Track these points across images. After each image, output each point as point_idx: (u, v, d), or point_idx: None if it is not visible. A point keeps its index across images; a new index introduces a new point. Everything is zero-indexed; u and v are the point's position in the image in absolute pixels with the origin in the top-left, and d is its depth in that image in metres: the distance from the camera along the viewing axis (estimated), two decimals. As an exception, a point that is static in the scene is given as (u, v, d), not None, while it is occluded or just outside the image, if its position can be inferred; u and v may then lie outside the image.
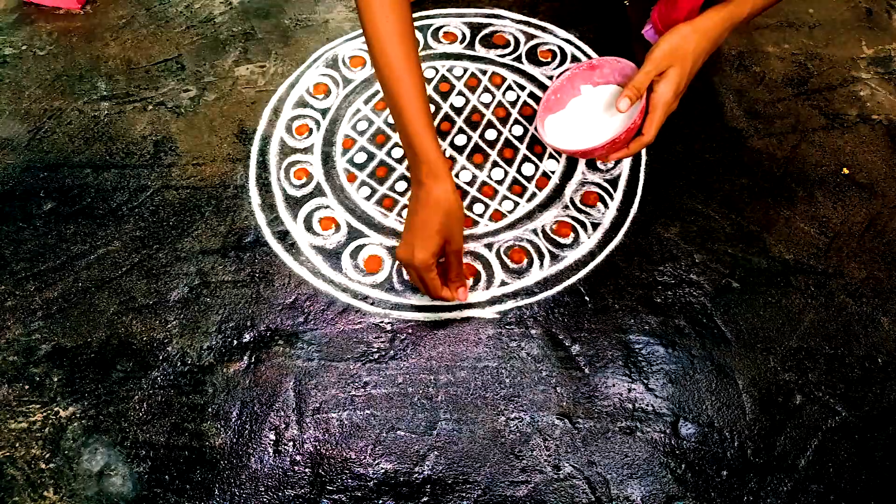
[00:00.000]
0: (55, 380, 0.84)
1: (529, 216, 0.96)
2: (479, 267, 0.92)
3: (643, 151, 1.01)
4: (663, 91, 0.79)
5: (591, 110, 0.91)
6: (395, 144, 1.03)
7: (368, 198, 0.98)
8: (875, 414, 0.81)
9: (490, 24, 1.15)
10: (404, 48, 0.75)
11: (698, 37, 0.79)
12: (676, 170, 0.99)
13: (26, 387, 0.84)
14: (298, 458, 0.79)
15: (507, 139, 1.03)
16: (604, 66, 0.90)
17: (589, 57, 1.11)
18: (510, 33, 1.14)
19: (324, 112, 1.06)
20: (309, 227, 0.95)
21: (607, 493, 0.77)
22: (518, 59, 1.11)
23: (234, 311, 0.89)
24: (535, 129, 0.91)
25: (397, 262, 0.93)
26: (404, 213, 0.96)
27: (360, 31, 1.15)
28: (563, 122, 0.92)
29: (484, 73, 1.09)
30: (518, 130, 1.03)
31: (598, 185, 0.98)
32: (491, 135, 1.03)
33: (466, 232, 0.95)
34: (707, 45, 0.80)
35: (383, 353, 0.86)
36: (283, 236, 0.95)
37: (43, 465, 0.79)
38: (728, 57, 1.11)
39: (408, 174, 0.99)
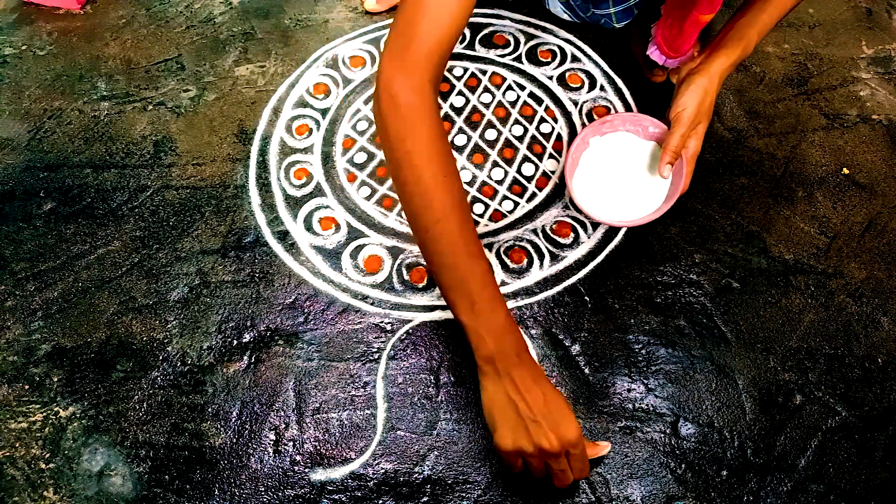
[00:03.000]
0: (55, 380, 0.84)
1: (529, 216, 0.96)
2: (479, 267, 0.92)
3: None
4: (695, 146, 0.84)
5: (605, 162, 0.92)
6: (395, 144, 1.02)
7: (368, 198, 0.98)
8: (875, 414, 0.81)
9: (490, 24, 1.15)
10: (465, 210, 0.64)
11: (715, 85, 0.82)
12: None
13: (26, 387, 0.84)
14: (298, 458, 0.79)
15: (507, 139, 1.03)
16: (614, 119, 0.92)
17: (589, 57, 1.11)
18: (510, 33, 1.14)
19: (324, 112, 1.06)
20: (309, 227, 0.96)
21: (607, 493, 0.77)
22: (518, 59, 1.11)
23: (234, 311, 0.89)
24: (570, 200, 0.92)
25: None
26: (404, 213, 0.96)
27: (360, 31, 1.15)
28: (588, 183, 0.91)
29: (484, 73, 1.09)
30: (518, 130, 1.03)
31: (598, 185, 0.98)
32: (491, 135, 1.03)
33: (466, 232, 0.95)
34: (719, 88, 0.84)
35: (383, 353, 0.86)
36: (283, 236, 0.95)
37: (43, 465, 0.79)
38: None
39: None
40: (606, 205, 0.89)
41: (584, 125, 1.02)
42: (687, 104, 0.82)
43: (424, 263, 0.92)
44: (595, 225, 0.95)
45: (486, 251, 0.92)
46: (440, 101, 1.06)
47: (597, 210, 0.88)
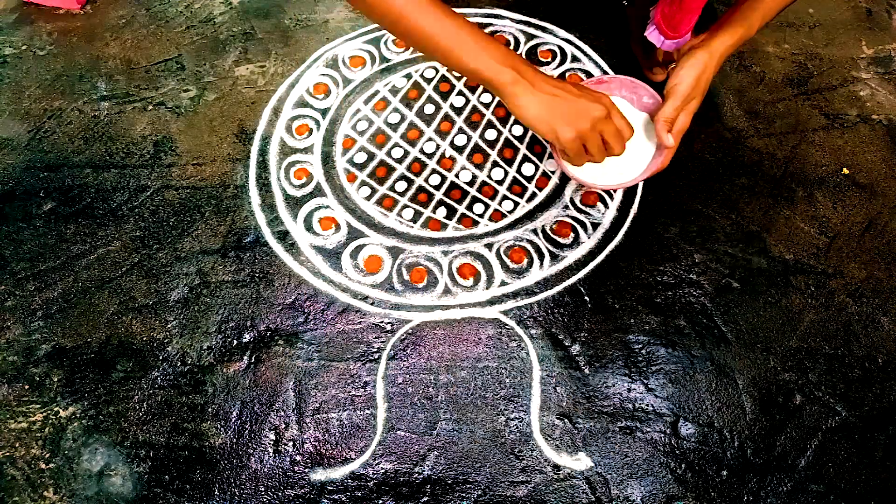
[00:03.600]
0: (55, 380, 0.84)
1: (529, 216, 0.96)
2: (479, 267, 0.92)
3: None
4: (683, 122, 0.83)
5: None
6: (395, 144, 1.03)
7: (368, 198, 0.98)
8: (875, 414, 0.81)
9: (490, 24, 1.15)
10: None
11: (715, 62, 0.82)
12: (676, 170, 0.99)
13: (26, 387, 0.84)
14: (298, 458, 0.79)
15: (507, 139, 1.03)
16: (611, 82, 0.91)
17: (589, 57, 1.11)
18: (510, 33, 1.14)
19: (324, 112, 1.06)
20: (309, 227, 0.95)
21: (607, 493, 0.77)
22: (518, 59, 1.10)
23: (234, 311, 0.89)
24: (554, 159, 0.90)
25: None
26: (405, 213, 0.96)
27: (360, 31, 1.15)
28: None
29: (484, 73, 1.09)
30: (518, 130, 1.03)
31: (598, 185, 0.98)
32: (491, 135, 1.03)
33: (466, 232, 0.95)
34: (718, 67, 0.84)
35: (383, 353, 0.86)
36: (283, 236, 0.95)
37: (43, 465, 0.79)
38: (728, 57, 1.11)
39: (408, 174, 0.99)
40: (587, 167, 0.88)
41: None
42: (684, 78, 0.81)
43: (421, 263, 0.92)
44: (595, 225, 0.95)
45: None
46: (441, 101, 1.06)
47: (577, 171, 0.88)
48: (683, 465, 0.79)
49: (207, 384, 0.84)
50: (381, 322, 0.88)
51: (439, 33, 0.71)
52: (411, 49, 1.12)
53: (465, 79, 1.08)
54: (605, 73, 1.09)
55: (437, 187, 0.99)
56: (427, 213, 0.96)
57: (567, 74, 1.08)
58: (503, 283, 0.91)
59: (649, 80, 1.06)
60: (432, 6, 0.70)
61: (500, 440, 0.80)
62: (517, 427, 0.81)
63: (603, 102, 0.74)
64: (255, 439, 0.80)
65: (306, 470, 0.79)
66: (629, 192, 0.97)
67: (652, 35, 1.00)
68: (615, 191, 0.88)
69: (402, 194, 0.98)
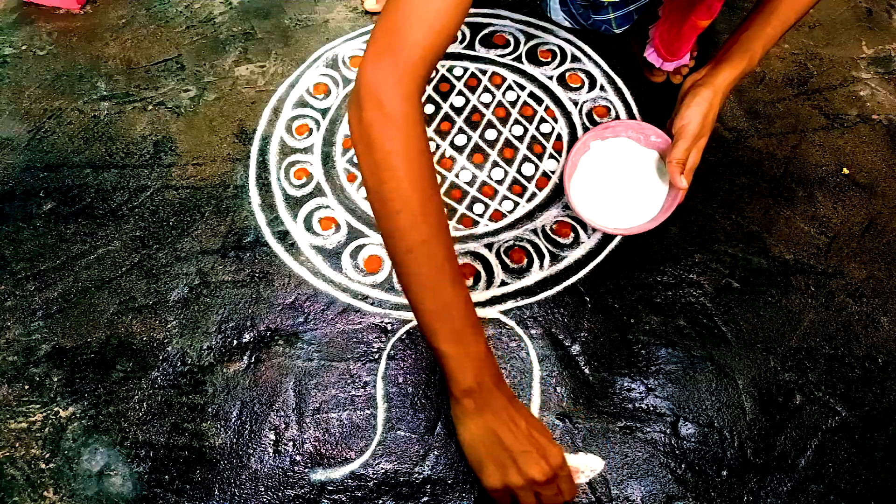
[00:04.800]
0: (55, 380, 0.84)
1: (529, 216, 0.96)
2: (479, 267, 0.92)
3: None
4: (694, 159, 0.84)
5: (604, 167, 0.92)
6: (395, 144, 1.02)
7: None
8: (875, 414, 0.81)
9: (490, 24, 1.15)
10: (446, 234, 0.61)
11: (719, 99, 0.82)
12: (676, 170, 0.99)
13: (26, 387, 0.84)
14: (298, 458, 0.79)
15: (507, 139, 1.03)
16: (616, 126, 0.92)
17: (589, 57, 1.11)
18: (510, 33, 1.14)
19: (324, 112, 1.06)
20: (309, 227, 0.95)
21: (607, 493, 0.77)
22: (518, 58, 1.11)
23: (234, 311, 0.89)
24: (569, 203, 0.90)
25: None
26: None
27: (360, 31, 1.15)
28: (586, 187, 0.91)
29: (484, 72, 1.09)
30: (518, 130, 1.03)
31: (598, 185, 0.98)
32: (491, 135, 1.03)
33: (466, 232, 0.95)
34: (723, 102, 0.84)
35: (383, 353, 0.86)
36: (283, 236, 0.95)
37: (43, 465, 0.79)
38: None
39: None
40: (602, 210, 0.89)
41: (584, 125, 1.02)
42: (691, 118, 0.82)
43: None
44: (595, 225, 0.95)
45: (486, 250, 0.92)
46: (441, 101, 1.06)
47: (592, 215, 0.88)
48: (683, 465, 0.79)
49: (207, 384, 0.84)
50: (381, 322, 0.88)
51: (432, 293, 0.61)
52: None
53: (464, 79, 1.09)
54: (605, 73, 1.09)
55: (437, 187, 0.99)
56: (427, 213, 0.96)
57: (567, 74, 1.09)
58: (503, 283, 0.91)
59: (649, 82, 1.07)
60: (445, 262, 0.61)
61: (500, 440, 0.80)
62: (517, 427, 0.81)
63: (550, 461, 0.62)
64: (255, 439, 0.80)
65: (306, 470, 0.79)
66: (629, 192, 0.97)
67: (651, 56, 1.00)
68: (631, 233, 0.88)
69: (402, 194, 0.98)
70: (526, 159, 1.01)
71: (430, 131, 1.04)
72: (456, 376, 0.62)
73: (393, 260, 0.63)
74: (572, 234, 0.94)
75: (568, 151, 0.98)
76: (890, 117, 1.04)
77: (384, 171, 0.59)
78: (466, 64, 1.10)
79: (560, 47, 1.12)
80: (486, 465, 0.62)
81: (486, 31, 1.14)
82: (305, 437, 0.81)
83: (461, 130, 1.04)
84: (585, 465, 0.78)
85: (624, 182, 0.91)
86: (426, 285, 0.60)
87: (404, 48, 0.59)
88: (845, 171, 0.99)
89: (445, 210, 0.60)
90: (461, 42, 1.13)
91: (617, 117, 1.03)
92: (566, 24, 1.07)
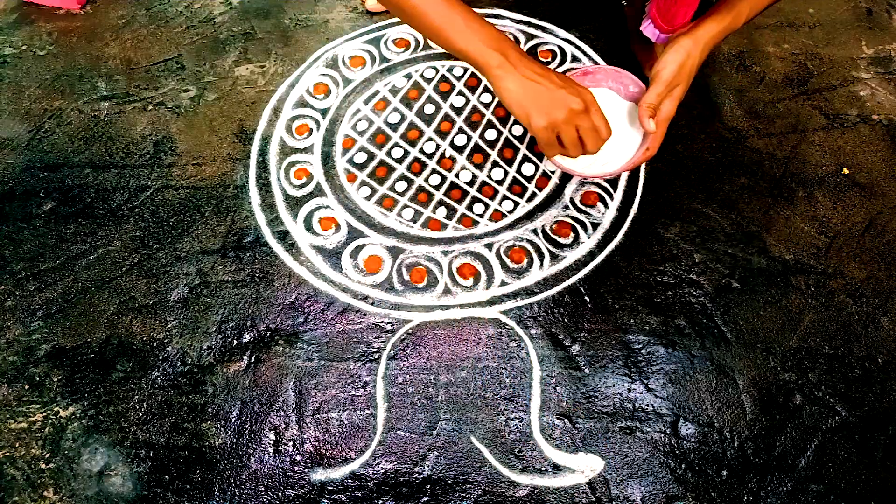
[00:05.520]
0: (55, 380, 0.84)
1: (529, 216, 0.96)
2: (479, 267, 0.92)
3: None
4: (668, 109, 0.82)
5: None
6: (395, 144, 1.03)
7: (368, 198, 0.98)
8: (875, 414, 0.81)
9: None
10: None
11: (700, 50, 0.81)
12: (676, 170, 0.99)
13: (26, 387, 0.84)
14: (298, 458, 0.79)
15: (507, 139, 1.03)
16: (597, 73, 0.90)
17: (589, 57, 1.11)
18: (510, 33, 1.14)
19: (324, 112, 1.06)
20: (309, 227, 0.95)
21: (607, 494, 0.77)
22: (518, 59, 1.10)
23: (234, 311, 0.89)
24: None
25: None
26: (405, 212, 0.96)
27: (360, 31, 1.15)
28: None
29: (484, 73, 1.09)
30: (518, 130, 1.03)
31: (598, 185, 0.98)
32: (491, 135, 1.03)
33: (466, 232, 0.95)
34: (705, 56, 0.83)
35: (383, 353, 0.86)
36: (283, 236, 0.95)
37: (43, 465, 0.79)
38: (728, 57, 1.11)
39: (408, 174, 0.99)
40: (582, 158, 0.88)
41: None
42: (668, 63, 0.81)
43: (421, 263, 0.92)
44: (595, 225, 0.95)
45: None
46: (441, 101, 1.06)
47: (564, 159, 0.87)
48: (683, 465, 0.79)
49: (207, 384, 0.84)
50: (381, 322, 0.88)
51: (431, 12, 0.71)
52: (411, 49, 1.12)
53: (464, 79, 1.09)
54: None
55: (437, 187, 0.99)
56: (427, 213, 0.96)
57: (566, 73, 1.08)
58: (503, 283, 0.91)
59: (648, 79, 1.06)
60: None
61: (500, 440, 0.80)
62: (517, 427, 0.81)
63: (583, 97, 0.73)
64: (255, 439, 0.80)
65: (306, 470, 0.79)
66: (629, 192, 0.97)
67: (647, 29, 0.99)
68: (600, 179, 0.87)
69: (402, 194, 0.98)
70: (526, 159, 1.01)
71: (430, 131, 1.04)
72: (484, 61, 0.71)
73: (393, 10, 0.74)
74: (572, 234, 0.94)
75: None
76: (890, 117, 1.04)
77: None
78: (466, 64, 1.10)
79: (560, 47, 1.12)
80: (531, 111, 0.72)
81: (479, 15, 1.14)
82: (305, 437, 0.81)
83: (461, 130, 1.04)
84: (585, 466, 0.78)
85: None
86: (424, 9, 0.71)
87: None
88: (845, 171, 0.99)
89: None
90: (461, 42, 1.13)
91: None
92: None
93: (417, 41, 1.13)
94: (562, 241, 0.94)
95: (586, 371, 0.84)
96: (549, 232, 0.95)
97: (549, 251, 0.93)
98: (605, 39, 1.12)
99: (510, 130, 1.03)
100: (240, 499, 0.77)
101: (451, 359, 0.85)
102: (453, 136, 1.03)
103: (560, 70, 1.09)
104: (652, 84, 0.82)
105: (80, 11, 1.19)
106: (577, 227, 0.95)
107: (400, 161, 1.01)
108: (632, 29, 1.07)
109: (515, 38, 1.13)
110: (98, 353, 0.86)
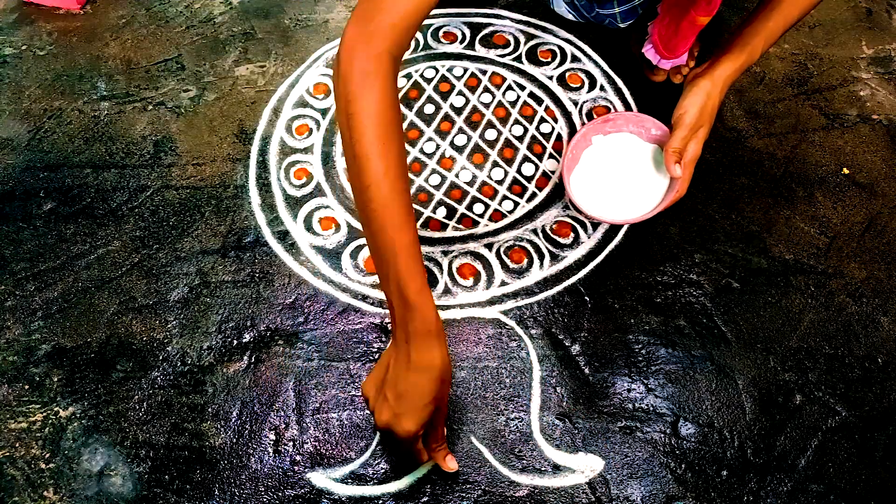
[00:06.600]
0: (55, 380, 0.84)
1: (529, 216, 0.96)
2: (479, 267, 0.92)
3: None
4: (694, 150, 0.83)
5: (606, 161, 0.92)
6: (395, 144, 1.02)
7: (368, 198, 0.98)
8: (875, 414, 0.81)
9: (490, 24, 1.15)
10: (398, 179, 0.64)
11: (718, 90, 0.82)
12: (676, 170, 0.99)
13: (26, 387, 0.84)
14: (298, 458, 0.79)
15: (507, 139, 1.03)
16: (617, 119, 0.92)
17: (589, 57, 1.11)
18: (510, 33, 1.14)
19: (324, 112, 1.06)
20: (309, 227, 0.95)
21: (607, 494, 0.77)
22: (518, 59, 1.11)
23: (234, 311, 0.89)
24: (568, 198, 0.91)
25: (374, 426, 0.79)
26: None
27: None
28: (587, 181, 0.91)
29: (484, 72, 1.09)
30: (518, 130, 1.03)
31: (598, 185, 0.98)
32: (491, 135, 1.03)
33: (466, 232, 0.95)
34: (724, 95, 0.84)
35: (383, 353, 0.86)
36: (283, 236, 0.95)
37: (43, 465, 0.79)
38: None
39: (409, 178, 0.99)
40: (603, 203, 0.89)
41: (584, 124, 1.02)
42: (689, 107, 0.82)
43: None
44: (595, 225, 0.95)
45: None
46: (441, 101, 1.06)
47: (592, 207, 0.88)
48: (683, 465, 0.79)
49: (207, 384, 0.84)
50: (381, 322, 0.88)
51: (378, 236, 0.65)
52: (411, 49, 1.12)
53: (464, 79, 1.09)
54: (605, 73, 1.09)
55: (437, 187, 0.99)
56: (427, 212, 0.97)
57: (567, 74, 1.09)
58: (503, 283, 0.91)
59: (649, 81, 1.07)
60: (392, 204, 0.63)
61: (500, 440, 0.80)
62: (517, 427, 0.81)
63: (398, 423, 0.65)
64: (255, 439, 0.80)
65: (306, 470, 0.79)
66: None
67: (649, 53, 1.00)
68: (630, 223, 0.90)
69: (402, 194, 0.98)
70: (526, 159, 1.01)
71: (430, 131, 1.04)
72: (393, 315, 0.67)
73: (356, 207, 0.70)
74: (572, 234, 0.94)
75: (567, 144, 0.98)
76: (890, 117, 1.04)
77: (342, 122, 0.66)
78: (466, 64, 1.10)
79: (560, 47, 1.12)
80: (372, 374, 0.71)
81: (486, 31, 1.14)
82: (305, 437, 0.81)
83: (461, 130, 1.04)
84: (585, 466, 0.78)
85: (625, 176, 0.91)
86: (371, 225, 0.65)
87: (378, 13, 0.66)
88: (845, 171, 0.99)
89: (404, 159, 0.67)
90: (461, 42, 1.13)
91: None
92: (570, 17, 1.07)
93: (417, 41, 1.13)
94: (562, 241, 0.94)
95: (586, 371, 0.84)
96: (549, 232, 0.95)
97: (549, 251, 0.93)
98: (605, 39, 1.12)
99: (510, 130, 1.04)
100: (240, 499, 0.77)
101: (451, 359, 0.85)
102: (453, 136, 1.03)
103: (557, 73, 1.09)
104: (675, 129, 0.83)
105: (79, 11, 1.19)
106: (577, 227, 0.95)
107: (400, 161, 1.01)
108: (632, 32, 1.07)
109: (515, 38, 1.13)
110: (98, 353, 0.86)
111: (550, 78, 1.08)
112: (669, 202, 0.85)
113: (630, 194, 0.89)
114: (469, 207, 0.97)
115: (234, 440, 0.80)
